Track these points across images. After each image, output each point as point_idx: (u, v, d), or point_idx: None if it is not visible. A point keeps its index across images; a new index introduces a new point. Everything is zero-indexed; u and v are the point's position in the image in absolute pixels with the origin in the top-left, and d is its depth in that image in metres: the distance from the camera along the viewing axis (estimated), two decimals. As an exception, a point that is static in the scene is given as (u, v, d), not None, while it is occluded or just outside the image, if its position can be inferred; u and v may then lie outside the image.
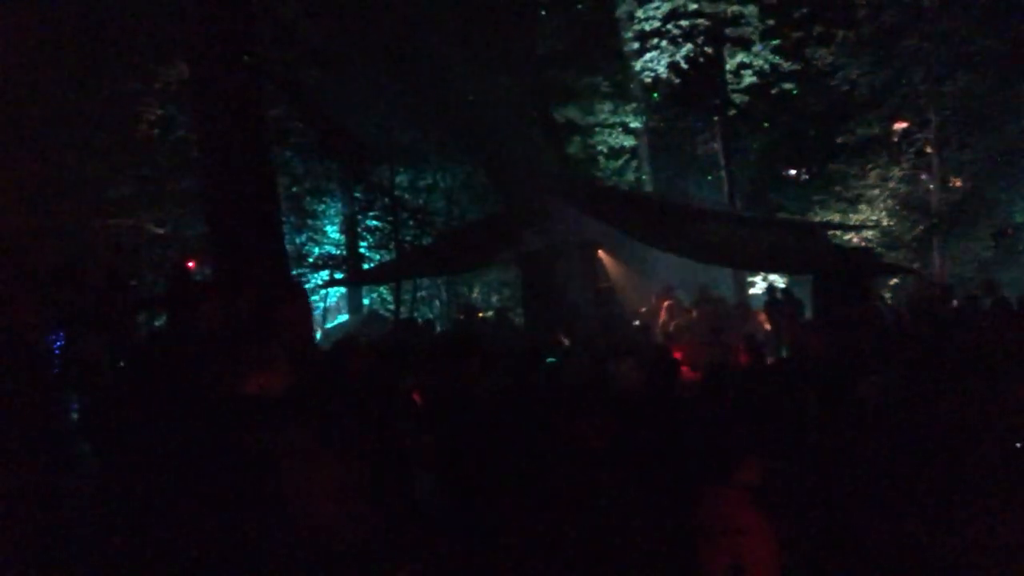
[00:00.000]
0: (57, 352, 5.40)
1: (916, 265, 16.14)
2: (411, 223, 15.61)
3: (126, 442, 4.47)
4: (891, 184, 17.02)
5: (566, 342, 10.71)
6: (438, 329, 13.50)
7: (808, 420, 4.96)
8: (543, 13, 18.93)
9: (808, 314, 12.12)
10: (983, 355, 6.24)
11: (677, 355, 8.52)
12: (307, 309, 8.74)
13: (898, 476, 4.46)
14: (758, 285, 18.14)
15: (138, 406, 4.69)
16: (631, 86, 19.29)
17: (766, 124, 20.17)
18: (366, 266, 16.75)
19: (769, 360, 8.36)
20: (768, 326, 11.91)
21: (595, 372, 6.76)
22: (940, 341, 7.63)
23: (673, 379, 5.91)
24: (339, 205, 17.25)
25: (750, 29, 17.97)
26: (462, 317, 13.62)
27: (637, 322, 13.28)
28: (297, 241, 16.15)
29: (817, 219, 17.66)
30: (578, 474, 4.17)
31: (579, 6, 19.60)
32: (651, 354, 7.67)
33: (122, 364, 5.68)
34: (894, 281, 16.67)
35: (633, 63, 18.67)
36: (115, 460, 4.47)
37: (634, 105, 19.26)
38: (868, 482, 4.44)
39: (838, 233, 16.99)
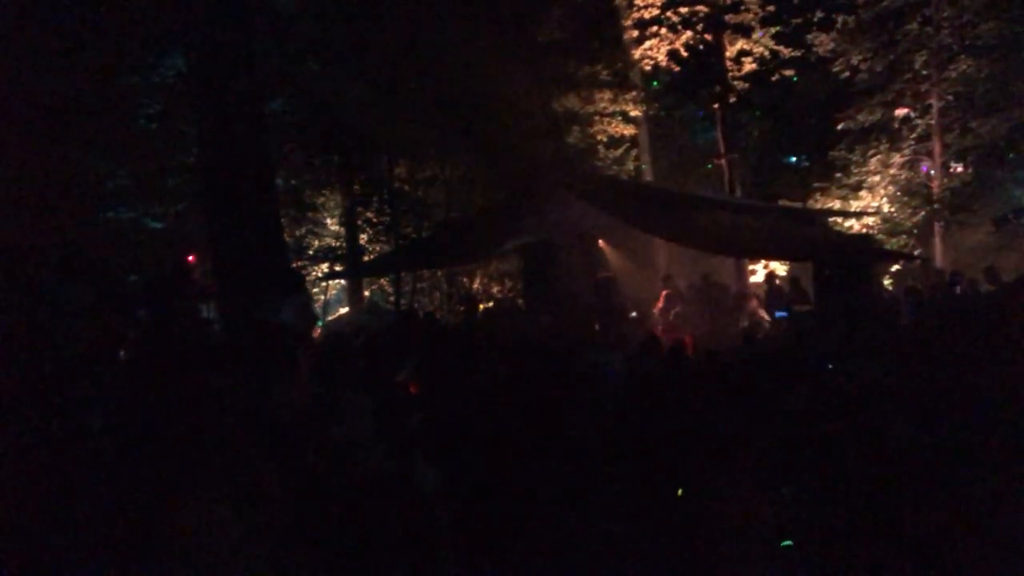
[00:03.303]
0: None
1: (918, 252, 16.10)
2: (410, 215, 15.59)
3: (128, 434, 4.49)
4: (892, 171, 16.94)
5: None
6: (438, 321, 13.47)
7: (804, 408, 4.96)
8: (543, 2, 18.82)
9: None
10: (985, 341, 6.23)
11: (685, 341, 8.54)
12: (308, 301, 8.73)
13: (900, 462, 4.46)
14: (759, 273, 18.12)
15: (137, 401, 4.71)
16: (631, 75, 19.22)
17: (764, 111, 20.08)
18: (365, 258, 16.73)
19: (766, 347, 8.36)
20: (763, 313, 11.91)
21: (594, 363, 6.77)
22: (942, 327, 7.62)
23: (679, 369, 5.92)
24: (338, 197, 17.23)
25: (750, 16, 17.88)
26: (463, 308, 13.63)
27: (634, 313, 13.29)
28: (297, 234, 16.14)
29: (817, 206, 17.62)
30: (582, 465, 4.18)
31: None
32: (650, 344, 7.69)
33: (120, 360, 5.69)
34: (895, 268, 16.65)
35: (632, 51, 18.60)
36: (120, 450, 4.49)
37: (634, 94, 19.19)
38: (872, 469, 4.44)
39: (839, 220, 16.95)
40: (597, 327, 11.82)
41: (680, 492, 4.08)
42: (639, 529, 4.09)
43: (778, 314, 11.56)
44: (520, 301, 15.99)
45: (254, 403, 4.30)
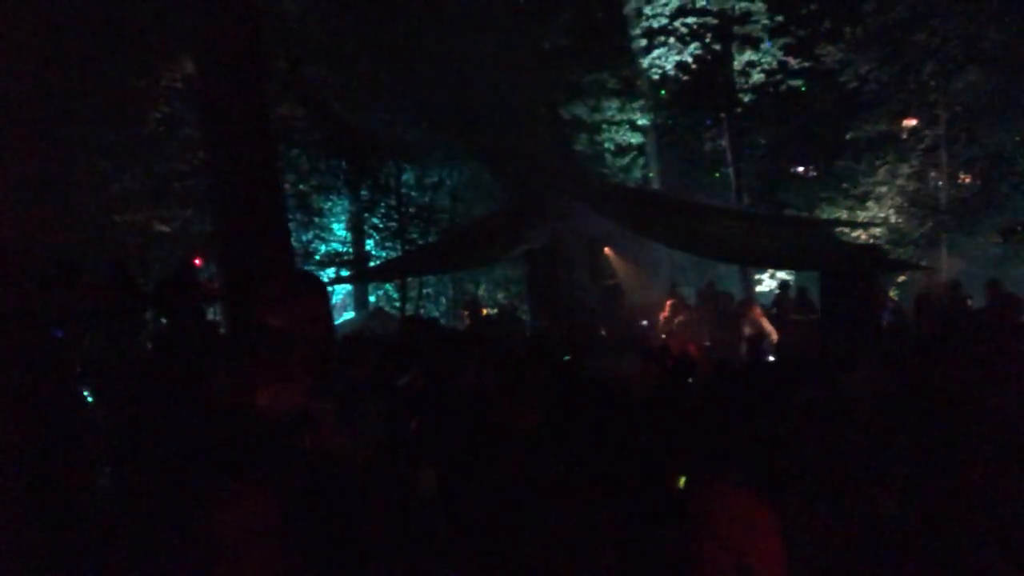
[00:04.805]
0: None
1: (924, 262, 16.07)
2: (417, 221, 15.63)
3: (134, 442, 4.49)
4: (899, 181, 16.94)
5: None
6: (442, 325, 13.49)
7: (804, 415, 4.94)
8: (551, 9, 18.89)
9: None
10: (985, 352, 6.21)
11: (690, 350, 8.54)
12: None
13: (901, 471, 4.44)
14: (765, 282, 18.10)
15: (145, 407, 4.72)
16: (638, 83, 19.26)
17: (772, 121, 20.07)
18: (372, 263, 16.78)
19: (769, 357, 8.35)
20: (765, 321, 11.87)
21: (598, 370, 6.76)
22: (945, 338, 7.60)
23: (686, 377, 5.90)
24: (345, 203, 17.28)
25: (758, 27, 17.89)
26: (467, 313, 13.64)
27: (644, 322, 13.26)
28: (303, 239, 16.19)
29: (824, 216, 17.60)
30: (577, 470, 4.17)
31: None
32: (657, 352, 7.68)
33: (128, 363, 5.71)
34: (902, 278, 16.61)
35: (641, 60, 18.63)
36: (124, 459, 4.50)
37: (641, 102, 19.22)
38: (873, 477, 4.43)
39: (846, 230, 16.93)
40: (603, 333, 11.82)
41: (682, 482, 4.07)
42: (639, 534, 4.08)
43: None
44: (520, 308, 16.01)
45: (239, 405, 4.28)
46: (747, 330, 10.99)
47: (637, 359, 7.57)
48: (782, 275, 17.03)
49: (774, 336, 10.98)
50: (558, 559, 3.89)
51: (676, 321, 12.34)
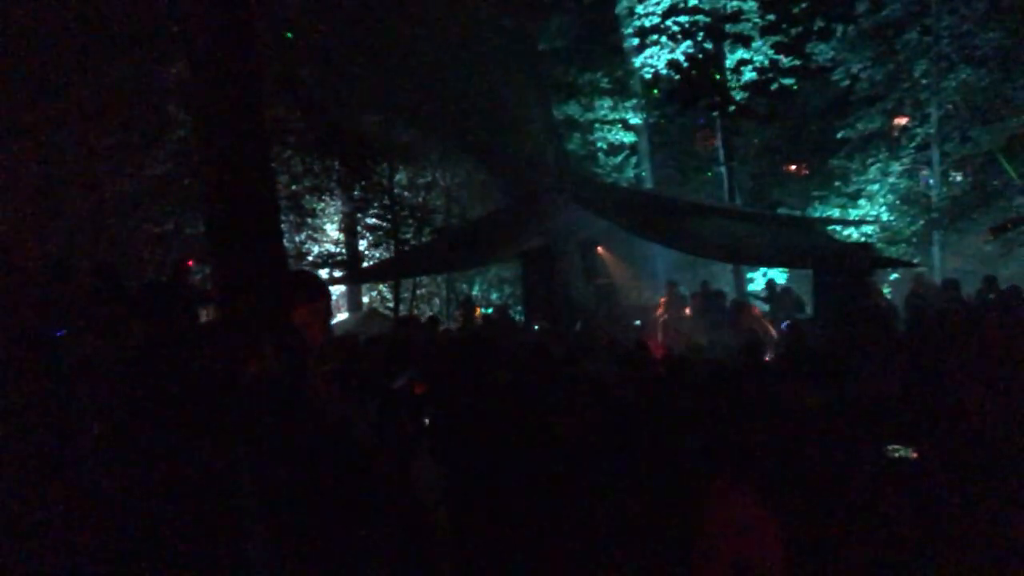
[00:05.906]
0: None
1: (916, 260, 16.12)
2: (410, 221, 15.57)
3: (131, 440, 4.47)
4: (891, 179, 17.01)
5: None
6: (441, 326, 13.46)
7: (807, 416, 4.95)
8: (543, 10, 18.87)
9: (808, 310, 12.17)
10: (986, 350, 6.23)
11: (660, 349, 8.57)
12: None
13: (901, 472, 4.45)
14: (757, 281, 18.12)
15: (139, 405, 4.69)
16: (631, 82, 19.27)
17: (764, 119, 20.09)
18: (365, 264, 16.73)
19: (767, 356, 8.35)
20: (765, 322, 11.89)
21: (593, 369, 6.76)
22: (938, 336, 7.62)
23: (678, 378, 5.89)
24: (338, 203, 17.21)
25: (749, 25, 17.91)
26: (460, 313, 13.62)
27: (638, 321, 13.27)
28: (296, 240, 16.12)
29: (817, 214, 17.64)
30: (577, 470, 4.17)
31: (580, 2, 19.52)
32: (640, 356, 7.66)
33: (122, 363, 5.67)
34: (894, 276, 16.66)
35: (633, 59, 18.65)
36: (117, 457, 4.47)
37: (634, 101, 19.24)
38: (871, 478, 4.43)
39: (838, 228, 16.98)
40: (598, 333, 11.80)
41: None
42: (641, 536, 4.08)
43: (783, 325, 11.57)
44: (514, 309, 15.98)
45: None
46: (744, 329, 11.00)
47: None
48: (772, 274, 17.06)
49: (773, 334, 11.00)
50: (560, 558, 3.89)
51: (662, 320, 12.39)
